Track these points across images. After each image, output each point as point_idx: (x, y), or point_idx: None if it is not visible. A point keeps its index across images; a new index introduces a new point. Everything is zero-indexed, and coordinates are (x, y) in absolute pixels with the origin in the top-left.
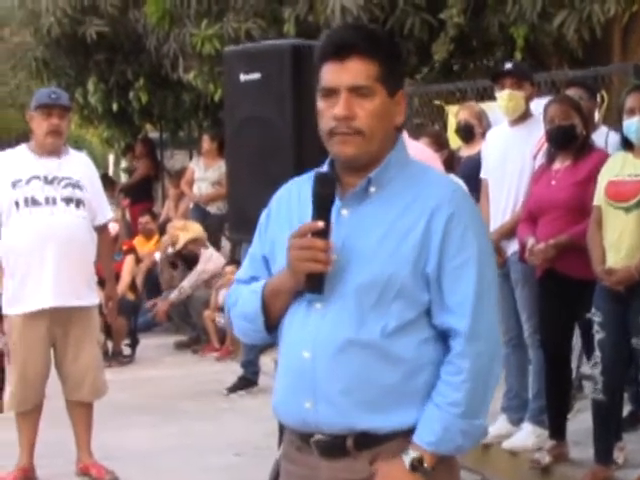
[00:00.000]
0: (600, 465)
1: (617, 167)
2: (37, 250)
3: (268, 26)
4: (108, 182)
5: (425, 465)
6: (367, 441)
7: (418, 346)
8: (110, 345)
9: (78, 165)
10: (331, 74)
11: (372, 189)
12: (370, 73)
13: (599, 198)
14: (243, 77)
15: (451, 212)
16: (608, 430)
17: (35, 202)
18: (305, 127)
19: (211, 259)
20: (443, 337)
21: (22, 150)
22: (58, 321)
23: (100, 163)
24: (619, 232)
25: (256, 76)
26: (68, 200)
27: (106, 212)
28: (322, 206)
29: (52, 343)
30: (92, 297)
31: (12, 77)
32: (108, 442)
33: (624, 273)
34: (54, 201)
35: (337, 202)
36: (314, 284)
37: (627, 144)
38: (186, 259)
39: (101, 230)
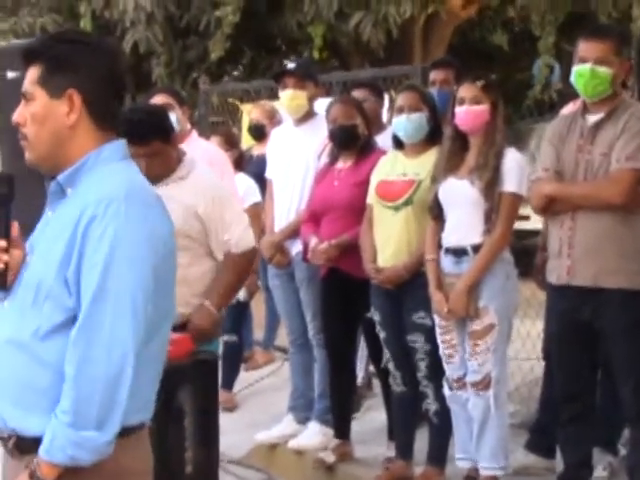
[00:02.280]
0: (400, 460)
1: (388, 166)
2: None
3: (64, 21)
4: None
5: (40, 475)
6: (23, 445)
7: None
8: None
9: None
10: None
11: (69, 190)
12: (32, 78)
13: (371, 197)
14: (10, 74)
15: (94, 215)
16: (410, 424)
17: None
18: None
19: None
20: None
21: None
22: None
23: None
24: (388, 231)
25: (18, 74)
26: None
27: None
28: None
29: None
30: None
31: None
32: None
33: (392, 271)
34: None
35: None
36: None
37: (398, 143)
38: None
39: None
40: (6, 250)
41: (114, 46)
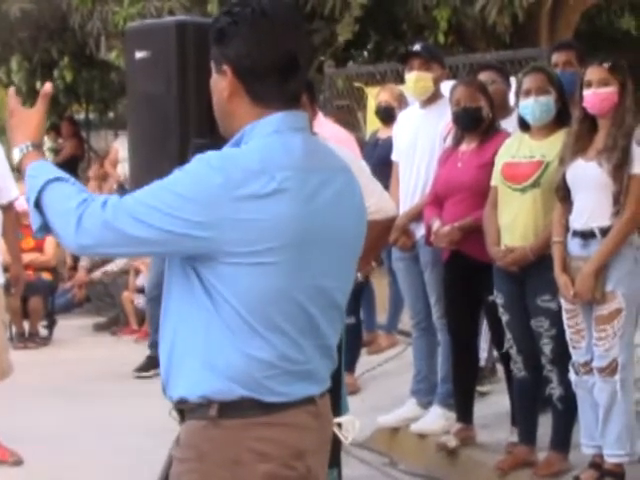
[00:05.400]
0: (523, 446)
1: (513, 148)
2: None
3: (192, 5)
4: None
5: None
6: None
7: None
8: (27, 326)
9: None
10: None
11: None
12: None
13: (496, 179)
14: (138, 54)
15: None
16: (532, 409)
17: None
18: (190, 103)
19: None
20: None
21: None
22: None
23: None
24: (515, 213)
25: (147, 53)
26: None
27: (11, 191)
28: None
29: None
30: None
31: None
32: (18, 424)
33: (519, 253)
34: None
35: None
36: None
37: (523, 125)
38: None
39: (6, 209)
40: None
41: (281, 17)
